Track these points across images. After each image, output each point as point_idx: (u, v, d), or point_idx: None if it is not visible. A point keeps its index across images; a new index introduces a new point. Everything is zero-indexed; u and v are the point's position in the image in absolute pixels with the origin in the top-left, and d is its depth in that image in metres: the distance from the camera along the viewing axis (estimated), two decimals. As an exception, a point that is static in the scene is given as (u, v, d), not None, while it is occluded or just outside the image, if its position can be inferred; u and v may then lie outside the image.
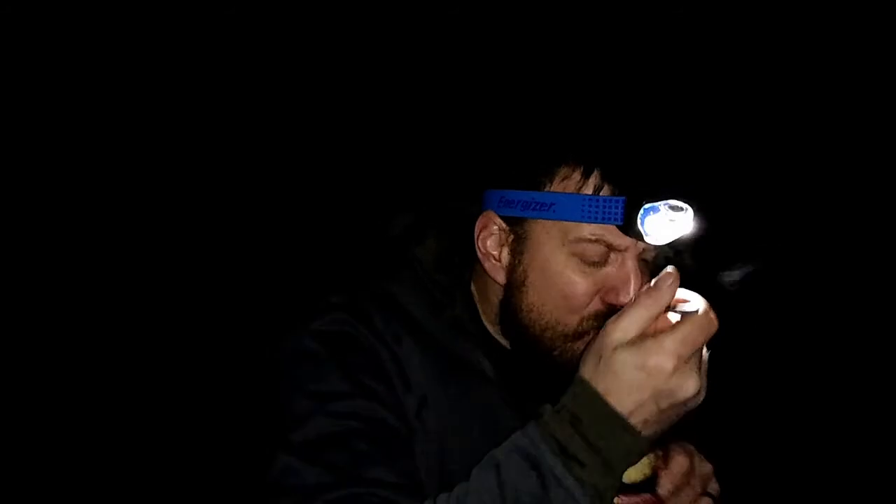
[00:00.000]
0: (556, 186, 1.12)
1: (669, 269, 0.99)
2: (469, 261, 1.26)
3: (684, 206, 1.07)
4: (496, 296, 1.21)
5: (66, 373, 3.11)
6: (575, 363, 1.10)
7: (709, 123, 2.86)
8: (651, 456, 1.11)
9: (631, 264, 1.13)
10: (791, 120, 3.13)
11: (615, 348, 0.97)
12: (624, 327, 0.97)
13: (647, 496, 1.11)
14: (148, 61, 3.20)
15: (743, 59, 3.07)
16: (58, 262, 3.19)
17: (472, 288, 1.26)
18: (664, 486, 1.14)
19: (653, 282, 0.99)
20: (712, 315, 0.97)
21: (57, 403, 3.06)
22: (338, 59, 3.22)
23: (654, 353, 0.95)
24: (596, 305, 1.15)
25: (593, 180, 1.11)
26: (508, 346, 1.23)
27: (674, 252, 1.12)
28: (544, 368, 1.17)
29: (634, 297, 1.07)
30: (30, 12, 3.13)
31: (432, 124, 3.04)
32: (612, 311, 1.11)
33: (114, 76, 3.19)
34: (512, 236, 1.17)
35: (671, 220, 1.07)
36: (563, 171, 1.12)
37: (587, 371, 0.99)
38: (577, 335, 1.16)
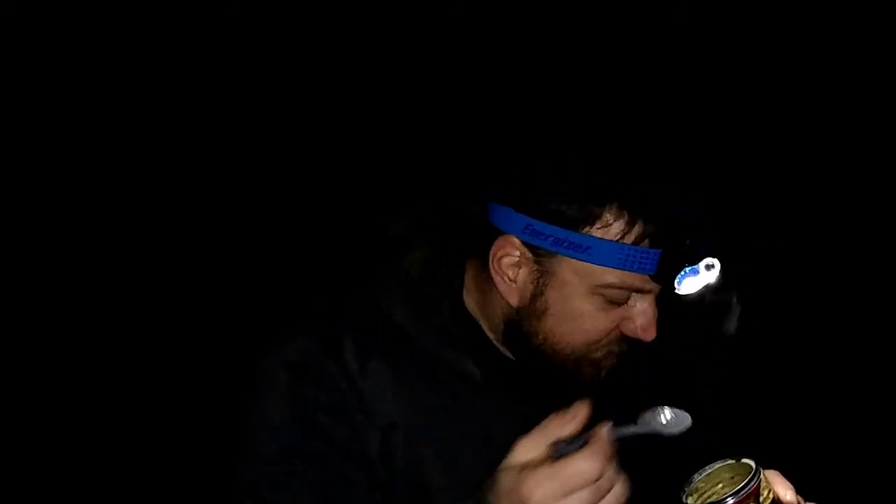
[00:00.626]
0: (595, 230, 1.11)
1: (582, 408, 0.98)
2: (457, 268, 1.25)
3: (716, 262, 1.12)
4: (501, 311, 1.21)
5: (60, 374, 3.09)
6: (584, 378, 1.18)
7: (733, 173, 2.88)
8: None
9: (651, 303, 1.16)
10: (798, 131, 3.15)
11: (504, 469, 0.97)
12: (524, 446, 0.98)
13: None
14: (148, 61, 3.19)
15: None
16: (50, 262, 3.17)
17: (466, 296, 1.25)
18: None
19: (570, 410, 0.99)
20: (596, 464, 0.93)
21: (53, 404, 3.04)
22: (347, 62, 3.23)
23: (525, 482, 0.94)
24: (613, 335, 1.17)
25: (635, 230, 1.11)
26: (509, 355, 1.24)
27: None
28: (550, 379, 1.20)
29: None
30: (30, 12, 3.12)
31: (448, 129, 3.04)
32: (626, 338, 1.17)
33: (114, 76, 3.18)
34: (535, 266, 1.16)
35: (704, 276, 1.11)
36: (605, 216, 1.11)
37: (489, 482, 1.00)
38: (590, 359, 1.18)
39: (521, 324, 1.18)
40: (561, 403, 1.20)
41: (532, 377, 1.21)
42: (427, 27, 3.09)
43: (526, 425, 1.16)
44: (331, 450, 1.12)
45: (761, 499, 1.04)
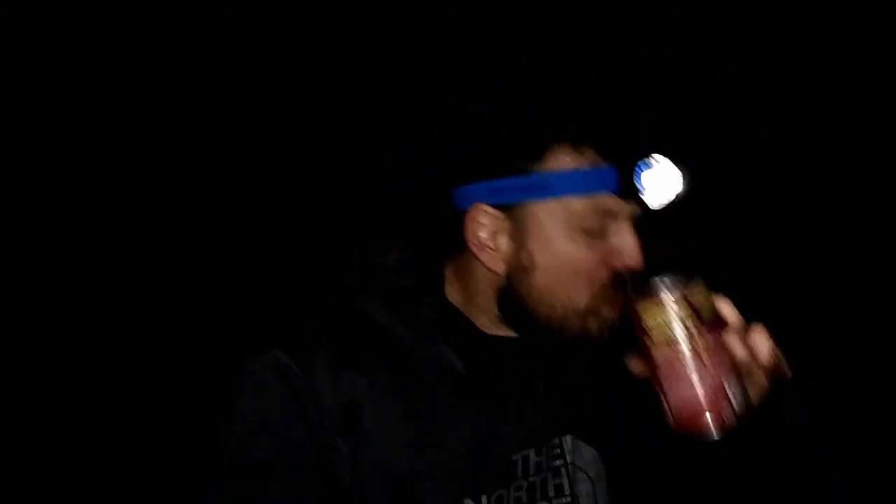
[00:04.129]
0: (550, 166, 1.15)
1: None
2: (435, 266, 1.28)
3: (664, 159, 1.15)
4: (490, 287, 1.22)
5: (55, 374, 3.13)
6: (586, 342, 1.19)
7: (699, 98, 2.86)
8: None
9: (628, 228, 1.18)
10: (789, 114, 3.14)
11: None
12: None
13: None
14: (148, 61, 3.17)
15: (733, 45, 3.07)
16: (45, 262, 3.20)
17: (449, 293, 1.27)
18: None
19: None
20: None
21: (50, 404, 3.08)
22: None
23: None
24: (603, 275, 1.18)
25: (587, 154, 1.14)
26: (504, 334, 1.25)
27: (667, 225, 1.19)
28: (554, 352, 1.21)
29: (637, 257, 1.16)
30: (30, 12, 3.12)
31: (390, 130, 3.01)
32: (616, 277, 1.18)
33: (114, 76, 3.17)
34: (509, 223, 1.18)
35: (664, 176, 1.14)
36: (555, 151, 1.14)
37: None
38: (590, 310, 1.19)
39: (514, 289, 1.19)
40: (548, 394, 1.25)
41: (529, 354, 1.23)
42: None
43: (511, 423, 1.23)
44: (295, 462, 1.14)
45: (692, 299, 1.05)
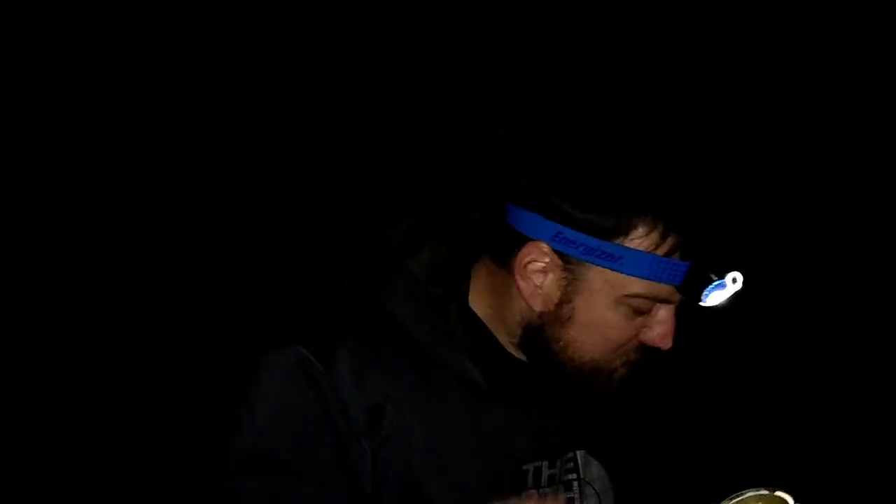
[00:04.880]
0: (628, 241, 1.12)
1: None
2: (464, 271, 1.25)
3: (740, 276, 1.14)
4: (521, 314, 1.20)
5: (55, 374, 3.08)
6: (597, 386, 1.20)
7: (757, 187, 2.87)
8: None
9: (672, 314, 1.19)
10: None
11: None
12: None
13: None
14: (148, 61, 3.17)
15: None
16: (45, 262, 3.15)
17: (474, 300, 1.24)
18: None
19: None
20: None
21: (50, 403, 3.03)
22: (351, 61, 3.21)
23: None
24: (632, 344, 1.19)
25: (669, 242, 1.12)
26: (520, 357, 1.24)
27: None
28: (562, 384, 1.21)
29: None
30: (30, 12, 3.10)
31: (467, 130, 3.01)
32: (644, 346, 1.20)
33: (114, 76, 3.17)
34: (564, 272, 1.16)
35: (729, 293, 1.13)
36: (639, 227, 1.12)
37: None
38: (608, 368, 1.20)
39: (543, 329, 1.18)
40: (564, 411, 1.25)
41: (541, 381, 1.22)
42: (435, 25, 3.08)
43: (526, 434, 1.22)
44: (310, 460, 1.12)
45: None
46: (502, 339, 1.23)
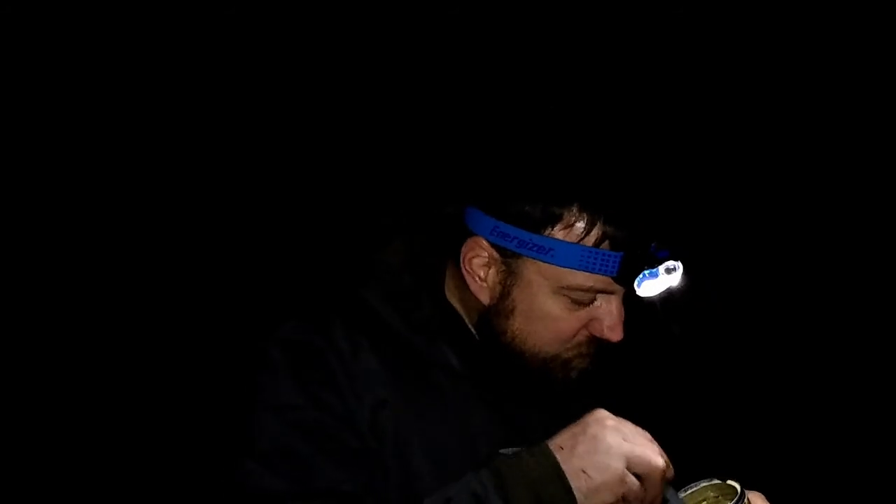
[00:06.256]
0: (557, 232, 1.14)
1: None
2: (438, 263, 1.28)
3: (678, 265, 1.14)
4: (475, 307, 1.24)
5: (55, 374, 3.08)
6: (554, 377, 1.21)
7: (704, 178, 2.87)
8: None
9: (617, 304, 1.18)
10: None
11: (594, 421, 1.05)
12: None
13: None
14: (148, 61, 3.15)
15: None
16: (45, 262, 3.16)
17: (448, 290, 1.28)
18: None
19: None
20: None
21: (50, 403, 3.04)
22: (334, 63, 3.21)
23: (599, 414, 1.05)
24: (581, 336, 1.20)
25: (596, 232, 1.13)
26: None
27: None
28: (521, 376, 1.22)
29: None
30: (30, 12, 3.10)
31: (427, 130, 3.02)
32: (595, 340, 1.20)
33: (114, 76, 3.15)
34: (503, 265, 1.19)
35: (665, 283, 1.13)
36: (567, 218, 1.14)
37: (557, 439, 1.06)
38: (560, 359, 1.21)
39: (492, 321, 1.22)
40: (535, 396, 1.25)
41: (507, 371, 1.24)
42: (406, 30, 3.08)
43: (503, 416, 1.23)
44: (332, 419, 1.14)
45: None
46: (471, 327, 1.27)
